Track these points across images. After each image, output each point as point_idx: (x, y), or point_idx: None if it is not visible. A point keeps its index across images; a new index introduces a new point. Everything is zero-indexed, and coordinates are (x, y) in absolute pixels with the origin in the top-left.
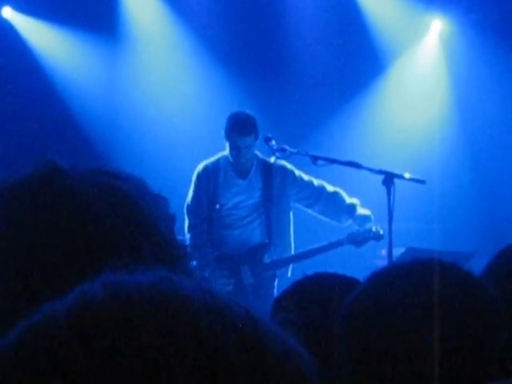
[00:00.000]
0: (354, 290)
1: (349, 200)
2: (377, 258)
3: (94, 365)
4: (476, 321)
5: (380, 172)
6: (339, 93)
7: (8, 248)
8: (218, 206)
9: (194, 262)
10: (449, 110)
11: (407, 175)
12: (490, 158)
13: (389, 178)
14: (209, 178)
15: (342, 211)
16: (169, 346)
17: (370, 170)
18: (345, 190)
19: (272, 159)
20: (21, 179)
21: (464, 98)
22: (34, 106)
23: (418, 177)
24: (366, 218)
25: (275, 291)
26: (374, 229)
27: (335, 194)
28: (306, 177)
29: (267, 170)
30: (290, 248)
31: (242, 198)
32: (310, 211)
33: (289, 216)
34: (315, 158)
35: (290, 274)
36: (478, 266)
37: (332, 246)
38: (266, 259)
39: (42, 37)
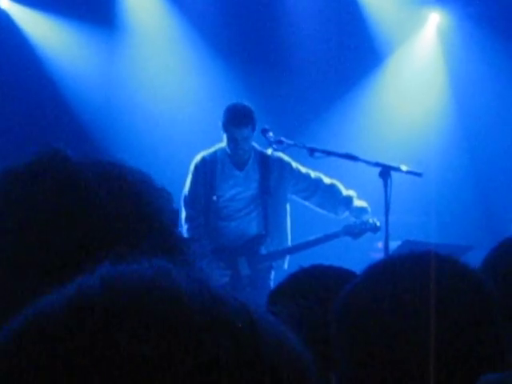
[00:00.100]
0: (350, 283)
1: (345, 192)
2: (373, 250)
3: (87, 359)
4: (471, 313)
5: (377, 164)
6: (337, 85)
7: (6, 234)
8: (215, 198)
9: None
10: (446, 102)
11: (404, 168)
12: (487, 150)
13: (385, 171)
14: (206, 169)
15: (338, 203)
16: (161, 342)
17: (367, 162)
18: (342, 183)
19: (269, 151)
20: (23, 164)
21: (461, 91)
22: (32, 97)
23: (414, 169)
24: (362, 210)
25: (271, 283)
26: (370, 221)
27: (332, 186)
28: (303, 169)
29: (264, 161)
30: (287, 240)
31: (239, 189)
32: (306, 203)
33: (285, 208)
34: (312, 150)
35: (286, 265)
36: (474, 259)
37: (329, 237)
38: (263, 251)
39: (39, 27)
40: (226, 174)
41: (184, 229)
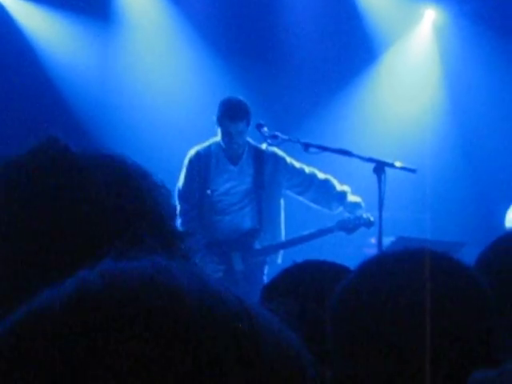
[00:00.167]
0: (344, 279)
1: (339, 187)
2: (366, 246)
3: (86, 356)
4: (466, 310)
5: (371, 160)
6: (332, 81)
7: (6, 225)
8: (209, 192)
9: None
10: (441, 99)
11: (398, 164)
12: (481, 147)
13: (380, 167)
14: (200, 163)
15: (332, 198)
16: (161, 341)
17: (361, 158)
18: (336, 178)
19: (264, 146)
20: (23, 155)
21: (456, 88)
22: (26, 89)
23: (409, 166)
24: (356, 205)
25: (265, 277)
26: (364, 216)
27: (326, 181)
28: (297, 164)
29: (259, 156)
30: (281, 234)
31: (233, 183)
32: (300, 198)
33: (279, 203)
34: (307, 146)
35: (280, 260)
36: (468, 255)
37: (322, 232)
38: (257, 245)
39: (33, 19)
40: (221, 169)
41: (178, 223)
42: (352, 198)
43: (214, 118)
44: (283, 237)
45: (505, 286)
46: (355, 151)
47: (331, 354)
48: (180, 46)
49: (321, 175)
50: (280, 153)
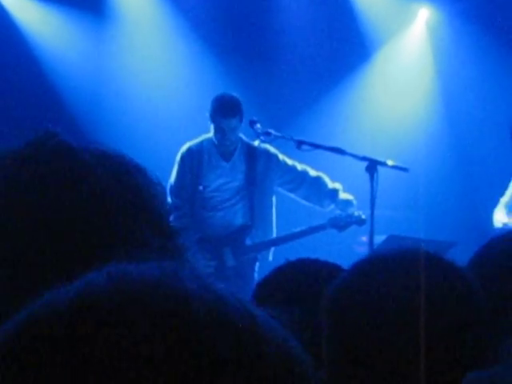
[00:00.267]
0: (337, 279)
1: (331, 185)
2: (357, 244)
3: (91, 357)
4: (459, 311)
5: (364, 158)
6: (326, 78)
7: (4, 218)
8: (201, 188)
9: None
10: (434, 98)
11: (390, 162)
12: (474, 147)
13: (372, 165)
14: (192, 159)
15: (324, 196)
16: (165, 342)
17: (354, 156)
18: (328, 176)
19: (256, 142)
20: (22, 148)
21: (449, 87)
22: (19, 83)
23: (401, 164)
24: (348, 203)
25: (256, 274)
26: (356, 213)
27: (318, 178)
28: (289, 161)
29: (251, 153)
30: (272, 231)
31: (225, 180)
32: (292, 195)
33: (271, 199)
34: (300, 143)
35: (271, 257)
36: (459, 254)
37: (314, 229)
38: (248, 242)
39: (27, 12)
40: (213, 165)
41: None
42: (344, 195)
43: (207, 114)
44: (275, 234)
45: (497, 287)
46: (348, 149)
47: (325, 353)
48: (175, 42)
49: (313, 172)
50: (272, 150)
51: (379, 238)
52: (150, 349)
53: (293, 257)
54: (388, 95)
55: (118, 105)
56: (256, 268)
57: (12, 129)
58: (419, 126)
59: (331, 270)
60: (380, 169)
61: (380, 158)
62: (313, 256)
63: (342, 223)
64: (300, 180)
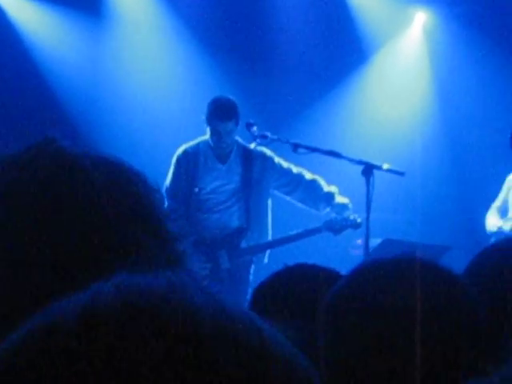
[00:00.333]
0: (334, 286)
1: (327, 188)
2: (352, 247)
3: (98, 371)
4: (455, 319)
5: (360, 162)
6: (323, 82)
7: (5, 228)
8: (196, 190)
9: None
10: (431, 102)
11: (386, 166)
12: (470, 150)
13: (368, 169)
14: (188, 161)
15: (320, 199)
16: (173, 358)
17: (350, 159)
18: (324, 179)
19: (252, 145)
20: (19, 154)
21: (446, 91)
22: (15, 83)
23: (398, 168)
24: (343, 206)
25: (251, 277)
26: (351, 217)
27: (314, 181)
28: (285, 164)
29: (247, 155)
30: (267, 234)
31: (221, 182)
32: (288, 198)
33: (267, 202)
34: (296, 146)
35: (266, 260)
36: (455, 258)
37: (309, 233)
38: (244, 244)
39: (24, 12)
40: (209, 167)
41: None
42: (339, 198)
43: (203, 117)
44: (270, 236)
45: (493, 296)
46: (344, 152)
47: (322, 359)
48: (171, 43)
49: (309, 175)
50: (268, 152)
51: (375, 241)
52: (157, 365)
53: (288, 259)
54: (385, 99)
55: (114, 105)
56: (251, 271)
57: (9, 129)
58: (415, 129)
59: (329, 275)
60: (376, 172)
61: (376, 162)
62: (309, 259)
63: (337, 226)
64: (296, 183)
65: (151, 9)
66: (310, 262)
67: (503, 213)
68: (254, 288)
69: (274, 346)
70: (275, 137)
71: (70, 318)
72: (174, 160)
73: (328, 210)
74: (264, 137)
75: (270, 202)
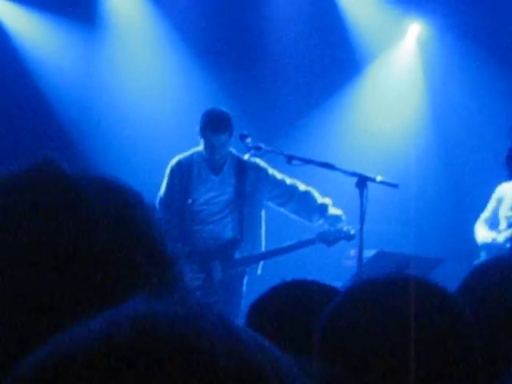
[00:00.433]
0: (331, 303)
1: (321, 200)
2: (346, 258)
3: None
4: (449, 338)
5: (353, 174)
6: (317, 93)
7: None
8: (190, 201)
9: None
10: (424, 113)
11: (380, 178)
12: (463, 162)
13: (362, 181)
14: (182, 172)
15: (313, 210)
16: None
17: (344, 171)
18: (318, 191)
19: (246, 156)
20: (17, 175)
21: (439, 102)
22: (9, 92)
23: (391, 179)
24: (337, 218)
25: (244, 288)
26: (345, 229)
27: (307, 193)
28: (278, 175)
29: (241, 166)
30: (261, 245)
31: (214, 193)
32: (281, 210)
33: (260, 213)
34: (290, 158)
35: (260, 271)
36: (448, 270)
37: (302, 244)
38: (237, 255)
39: (19, 21)
40: (202, 178)
41: None
42: (333, 210)
43: (197, 129)
44: (263, 247)
45: (487, 314)
46: (338, 164)
47: (317, 375)
48: (165, 52)
49: (302, 187)
50: (262, 163)
51: (368, 253)
52: None
53: (282, 271)
54: (378, 110)
55: (108, 113)
56: (244, 282)
57: (3, 136)
58: (409, 141)
59: (326, 292)
60: (370, 183)
61: (370, 174)
62: (302, 270)
63: (330, 238)
64: (289, 194)
65: (145, 18)
66: (304, 272)
67: (493, 225)
68: (251, 303)
69: (286, 373)
70: (269, 148)
71: (85, 347)
72: (167, 171)
73: (321, 221)
74: (258, 148)
75: (263, 213)
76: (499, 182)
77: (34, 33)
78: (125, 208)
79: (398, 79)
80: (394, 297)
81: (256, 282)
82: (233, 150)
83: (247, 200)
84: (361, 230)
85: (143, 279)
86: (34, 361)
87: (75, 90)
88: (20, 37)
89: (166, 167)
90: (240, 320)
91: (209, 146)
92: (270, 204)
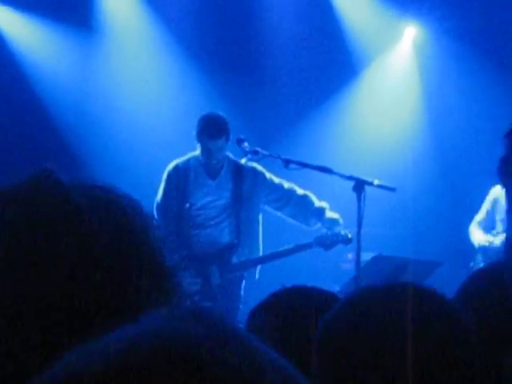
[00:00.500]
0: (328, 314)
1: (318, 203)
2: (343, 261)
3: None
4: (447, 345)
5: (351, 178)
6: (313, 97)
7: None
8: (187, 206)
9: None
10: (420, 116)
11: (377, 182)
12: (460, 165)
13: (359, 185)
14: (179, 177)
15: (310, 214)
16: None
17: (341, 175)
18: (316, 195)
19: (243, 160)
20: (16, 188)
21: (436, 105)
22: (5, 97)
23: (389, 183)
24: (334, 222)
25: (242, 292)
26: (342, 232)
27: (305, 197)
28: (276, 179)
29: (238, 171)
30: (258, 249)
31: (211, 198)
32: (279, 214)
33: (258, 217)
34: (287, 162)
35: (257, 275)
36: (446, 272)
37: (300, 248)
38: (235, 260)
39: (15, 26)
40: (199, 183)
41: None
42: (330, 214)
43: (194, 133)
44: (261, 252)
45: (486, 320)
46: (335, 167)
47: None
48: (162, 56)
49: (300, 191)
50: (259, 168)
51: (366, 256)
52: None
53: (279, 275)
54: (375, 113)
55: (104, 117)
56: (242, 286)
57: None
58: (406, 143)
59: (326, 298)
60: (367, 187)
61: (367, 178)
62: (300, 274)
63: (328, 242)
64: (287, 198)
65: (141, 22)
66: (301, 276)
67: (487, 227)
68: (251, 309)
69: None
70: (266, 152)
71: (103, 367)
72: (164, 176)
73: (319, 225)
74: (255, 152)
75: (260, 217)
76: (493, 183)
77: (30, 37)
78: (123, 219)
79: (394, 82)
80: (392, 304)
81: (254, 286)
82: (230, 155)
83: (244, 204)
84: (358, 233)
85: (141, 291)
86: (47, 379)
87: (71, 94)
88: (16, 41)
89: (162, 171)
90: (238, 325)
91: (205, 150)
92: (267, 208)
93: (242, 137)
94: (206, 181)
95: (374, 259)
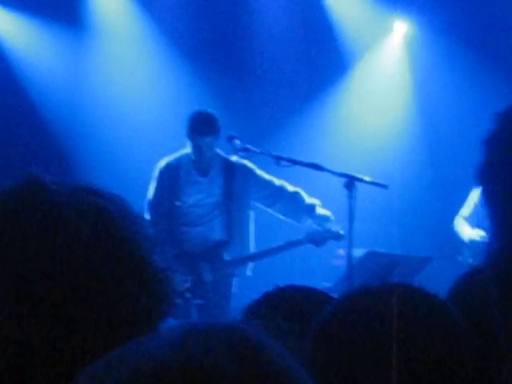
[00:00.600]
0: (322, 314)
1: (308, 200)
2: (334, 257)
3: None
4: (440, 345)
5: (342, 175)
6: (304, 93)
7: None
8: (178, 203)
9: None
10: (411, 112)
11: (369, 179)
12: (451, 160)
13: (350, 181)
14: (170, 174)
15: (301, 211)
16: None
17: (332, 172)
18: (307, 192)
19: (234, 158)
20: (5, 200)
21: (426, 100)
22: None
23: (379, 179)
24: (325, 218)
25: (233, 289)
26: (333, 229)
27: (295, 193)
28: (266, 176)
29: (228, 168)
30: (249, 246)
31: (202, 195)
32: (270, 210)
33: (249, 214)
34: (278, 159)
35: (249, 272)
36: (436, 268)
37: (291, 245)
38: (226, 257)
39: (2, 22)
40: (190, 180)
41: None
42: (321, 210)
43: (184, 131)
44: (252, 249)
45: (479, 319)
46: (326, 164)
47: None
48: (152, 54)
49: (290, 188)
50: (250, 165)
51: (357, 252)
52: None
53: (271, 272)
54: (365, 109)
55: (94, 116)
56: (233, 283)
57: None
58: (396, 140)
59: (321, 298)
60: (358, 184)
61: (358, 174)
62: (291, 271)
63: (319, 238)
64: (277, 195)
65: (131, 20)
66: (293, 273)
67: (472, 222)
68: (245, 308)
69: None
70: (257, 150)
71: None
72: (155, 173)
73: (309, 222)
74: (246, 150)
75: (251, 214)
76: None
77: (19, 36)
78: (109, 228)
79: (384, 78)
80: (386, 305)
81: (245, 283)
82: (220, 152)
83: (235, 201)
84: (350, 230)
85: (130, 299)
86: None
87: (62, 93)
88: (5, 39)
89: (153, 169)
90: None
91: (196, 148)
92: (258, 205)
93: (232, 134)
94: (197, 178)
95: (366, 255)
